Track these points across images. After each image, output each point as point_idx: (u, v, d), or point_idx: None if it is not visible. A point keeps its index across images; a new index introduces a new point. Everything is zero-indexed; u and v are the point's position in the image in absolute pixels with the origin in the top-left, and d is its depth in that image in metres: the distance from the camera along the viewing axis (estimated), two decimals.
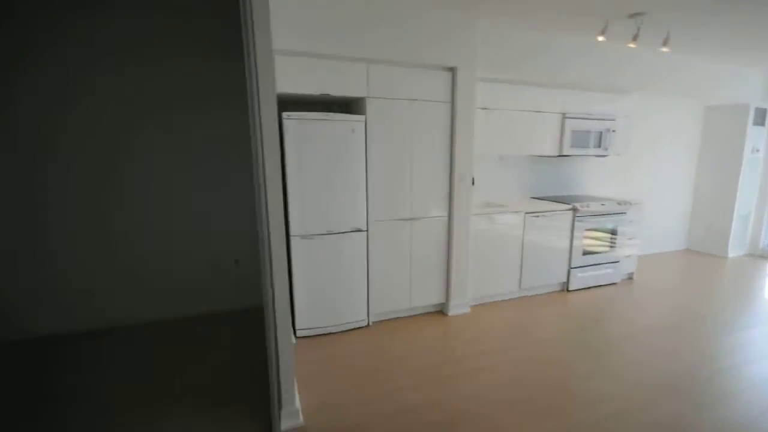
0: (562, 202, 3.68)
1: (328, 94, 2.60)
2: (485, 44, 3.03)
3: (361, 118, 2.68)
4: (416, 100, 2.82)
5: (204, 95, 2.89)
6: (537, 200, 3.90)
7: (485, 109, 3.26)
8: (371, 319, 2.99)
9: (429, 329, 2.97)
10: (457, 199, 3.05)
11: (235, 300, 3.20)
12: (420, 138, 2.89)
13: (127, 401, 2.06)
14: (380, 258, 2.92)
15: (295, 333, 2.76)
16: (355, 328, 2.93)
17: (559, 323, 3.08)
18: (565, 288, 3.74)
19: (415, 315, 3.19)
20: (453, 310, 3.20)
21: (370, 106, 2.70)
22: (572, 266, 3.68)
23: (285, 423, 1.83)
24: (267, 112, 1.56)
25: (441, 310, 3.27)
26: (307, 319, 2.77)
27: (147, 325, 2.95)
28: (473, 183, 3.11)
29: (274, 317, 1.76)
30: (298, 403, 1.94)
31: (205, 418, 1.92)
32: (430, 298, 3.18)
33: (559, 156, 3.79)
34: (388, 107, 2.75)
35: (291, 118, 2.48)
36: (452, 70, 2.89)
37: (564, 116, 3.65)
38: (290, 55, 2.44)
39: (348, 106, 3.09)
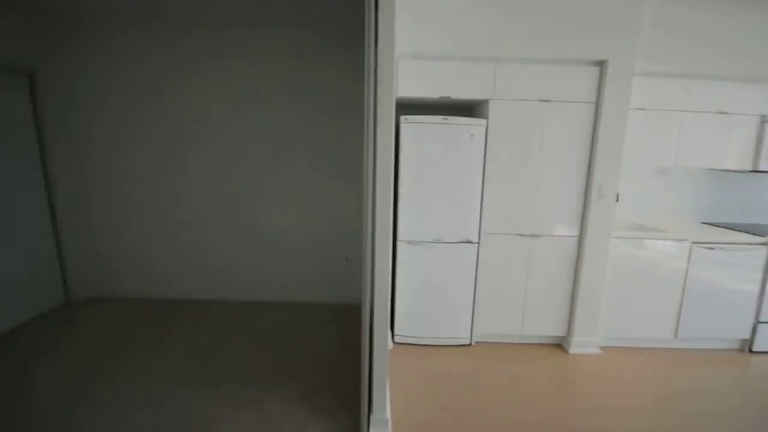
0: (751, 233, 2.75)
1: (448, 97, 2.49)
2: (652, 29, 2.45)
3: (482, 121, 2.48)
4: (549, 101, 2.47)
5: (329, 100, 3.13)
6: (711, 227, 3.00)
7: (642, 110, 2.66)
8: (474, 339, 2.76)
9: (543, 364, 2.57)
10: (593, 217, 2.56)
11: (345, 295, 3.37)
12: (550, 144, 2.52)
13: (239, 367, 2.34)
14: (490, 275, 2.66)
15: (393, 338, 2.74)
16: (455, 345, 2.74)
17: (733, 395, 2.29)
18: (747, 347, 2.78)
19: (526, 344, 2.81)
20: (576, 348, 2.71)
21: (494, 109, 2.48)
22: (761, 320, 2.71)
23: (373, 430, 1.79)
24: (384, 116, 1.55)
25: (560, 345, 2.81)
26: (405, 326, 2.71)
27: (268, 304, 3.35)
28: (617, 199, 2.57)
29: (371, 319, 1.75)
30: (388, 412, 1.88)
31: (300, 403, 2.03)
32: (548, 328, 2.76)
33: (753, 171, 2.84)
34: (514, 110, 2.48)
35: (408, 122, 2.46)
36: (601, 63, 2.44)
37: (764, 119, 2.72)
38: (410, 59, 2.42)
39: (468, 109, 2.92)
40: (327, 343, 2.70)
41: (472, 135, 2.48)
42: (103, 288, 3.38)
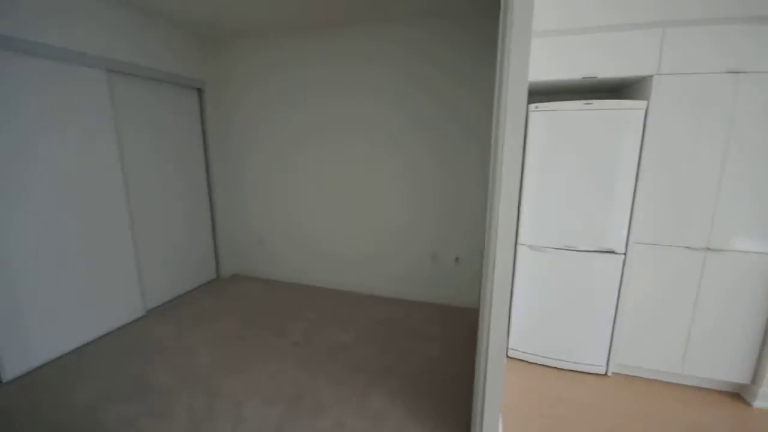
0: None
1: (594, 77, 2.07)
2: None
3: (640, 104, 2.00)
4: (742, 72, 1.84)
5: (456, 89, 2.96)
6: None
7: None
8: (611, 369, 2.29)
9: (712, 416, 1.98)
10: None
11: (453, 297, 3.22)
12: (743, 127, 1.89)
13: (348, 355, 2.40)
14: (640, 294, 2.16)
15: (506, 351, 2.47)
16: (585, 372, 2.33)
17: None
18: None
19: (687, 386, 2.21)
20: (763, 401, 2.02)
21: (659, 87, 1.96)
22: None
23: None
24: (514, 103, 1.33)
25: (739, 394, 2.13)
26: (522, 340, 2.41)
27: (376, 299, 3.41)
28: None
29: (489, 331, 1.56)
30: None
31: (401, 405, 1.97)
32: (721, 370, 2.12)
33: None
34: (686, 86, 1.93)
35: (539, 110, 2.14)
36: None
37: None
38: (544, 36, 2.08)
39: (617, 91, 2.41)
40: (430, 345, 2.60)
41: (626, 121, 2.02)
42: (243, 268, 3.96)
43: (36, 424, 1.86)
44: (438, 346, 2.59)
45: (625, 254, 2.14)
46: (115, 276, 2.77)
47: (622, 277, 2.16)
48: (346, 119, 3.27)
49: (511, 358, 2.48)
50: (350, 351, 2.51)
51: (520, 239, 2.30)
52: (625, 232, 2.12)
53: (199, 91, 3.46)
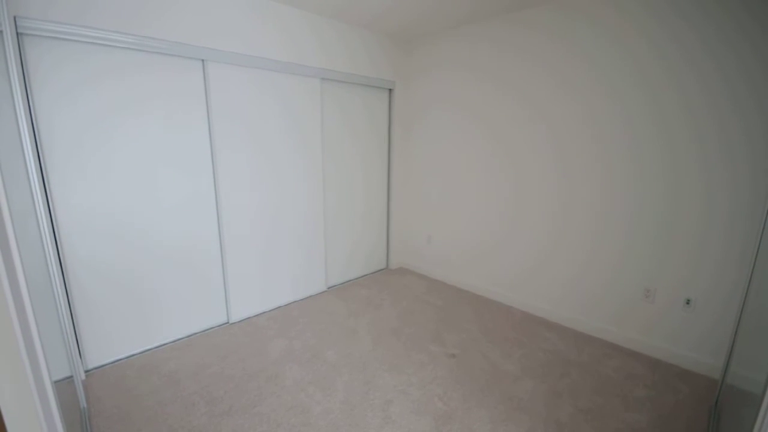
0: None
1: None
2: None
3: None
4: None
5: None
6: None
7: None
8: None
9: None
10: None
11: (675, 353, 2.32)
12: None
13: (504, 381, 2.01)
14: None
15: None
16: None
17: None
18: None
19: None
20: None
21: None
22: None
23: None
24: None
25: None
26: None
27: (551, 324, 2.82)
28: None
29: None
30: None
31: None
32: None
33: None
34: None
35: None
36: None
37: None
38: None
39: None
40: (631, 410, 1.90)
41: None
42: (409, 263, 4.05)
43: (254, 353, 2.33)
44: (645, 415, 1.89)
45: None
46: (312, 257, 3.27)
47: None
48: (537, 123, 2.81)
49: None
50: (513, 383, 2.13)
51: None
52: None
53: (390, 92, 3.68)
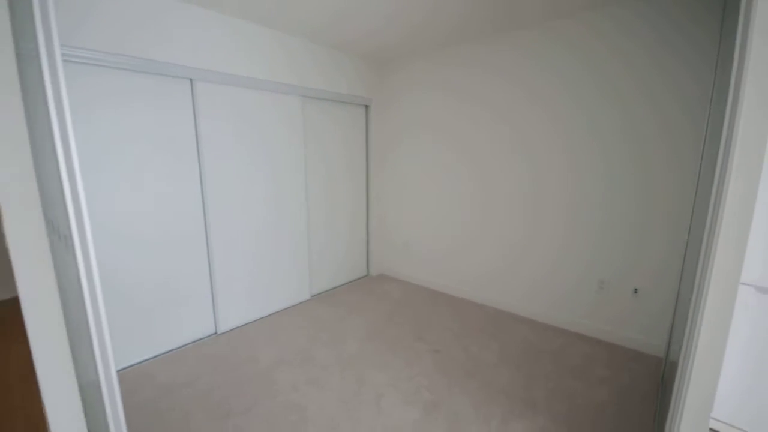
0: None
1: None
2: None
3: None
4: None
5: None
6: None
7: None
8: None
9: None
10: None
11: (627, 336, 2.64)
12: None
13: (486, 373, 2.22)
14: None
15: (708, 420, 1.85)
16: None
17: None
18: None
19: None
20: None
21: None
22: None
23: None
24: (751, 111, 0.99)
25: None
26: (732, 408, 1.77)
27: (522, 319, 3.09)
28: None
29: (686, 392, 1.20)
30: None
31: None
32: None
33: None
34: None
35: None
36: None
37: None
38: None
39: None
40: (595, 387, 2.17)
41: None
42: (389, 269, 4.24)
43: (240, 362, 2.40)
44: (605, 392, 2.16)
45: None
46: (297, 268, 3.38)
47: None
48: (506, 137, 3.12)
49: (714, 430, 1.85)
50: (492, 371, 2.35)
51: (743, 276, 1.70)
52: None
53: (366, 108, 3.90)
